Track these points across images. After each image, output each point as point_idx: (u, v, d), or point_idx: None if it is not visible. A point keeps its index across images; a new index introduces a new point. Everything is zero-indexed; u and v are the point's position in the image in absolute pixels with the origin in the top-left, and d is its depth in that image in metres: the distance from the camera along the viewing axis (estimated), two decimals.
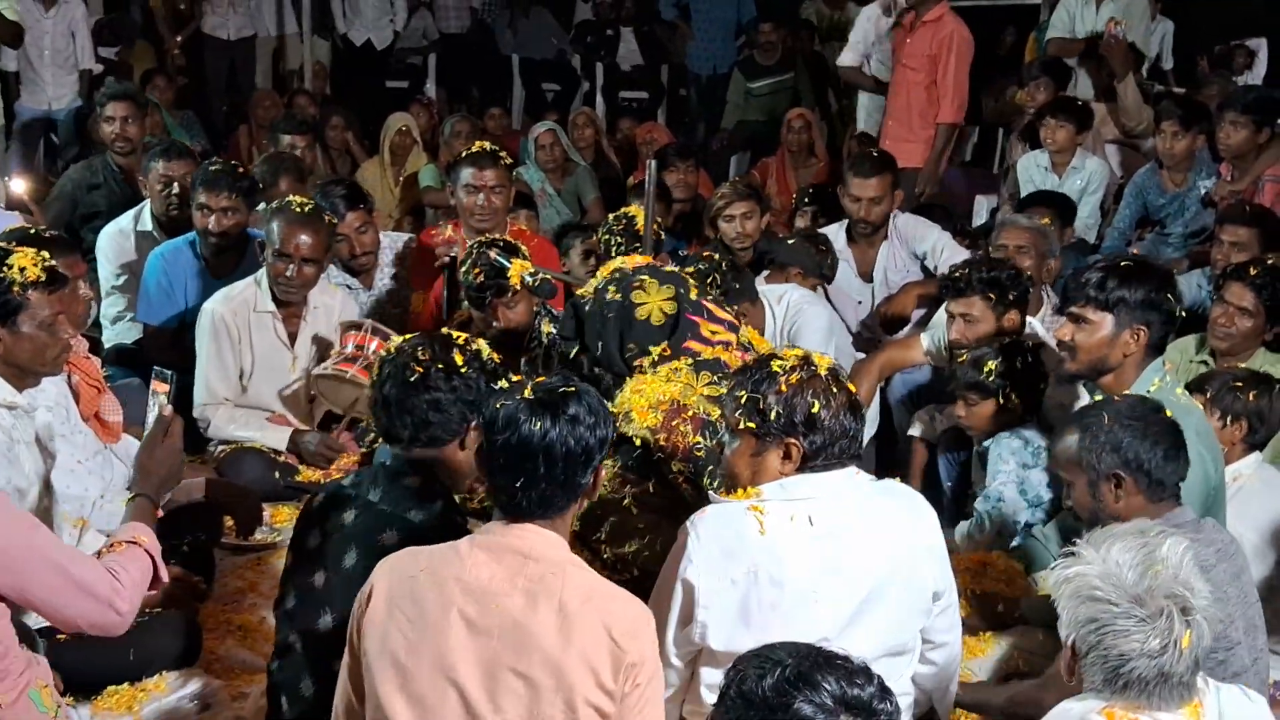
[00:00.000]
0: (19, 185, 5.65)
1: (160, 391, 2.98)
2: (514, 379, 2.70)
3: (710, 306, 3.55)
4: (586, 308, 3.57)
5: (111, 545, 2.58)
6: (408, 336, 2.84)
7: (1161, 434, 2.87)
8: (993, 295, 4.14)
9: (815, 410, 2.51)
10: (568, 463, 2.24)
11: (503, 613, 2.17)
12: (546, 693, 2.15)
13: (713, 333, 3.49)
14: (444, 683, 2.17)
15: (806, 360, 2.60)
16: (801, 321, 4.62)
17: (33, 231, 3.74)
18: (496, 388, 2.63)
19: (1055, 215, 5.36)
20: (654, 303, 3.47)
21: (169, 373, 3.01)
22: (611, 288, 3.53)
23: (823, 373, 2.57)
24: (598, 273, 3.73)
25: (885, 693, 1.79)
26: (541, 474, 2.23)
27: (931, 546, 2.62)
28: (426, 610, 2.20)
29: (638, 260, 3.70)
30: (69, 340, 3.13)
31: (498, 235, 4.61)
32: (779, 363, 2.59)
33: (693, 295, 3.51)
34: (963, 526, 3.91)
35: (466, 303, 4.42)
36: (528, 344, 4.35)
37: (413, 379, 2.64)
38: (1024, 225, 4.88)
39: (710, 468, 3.16)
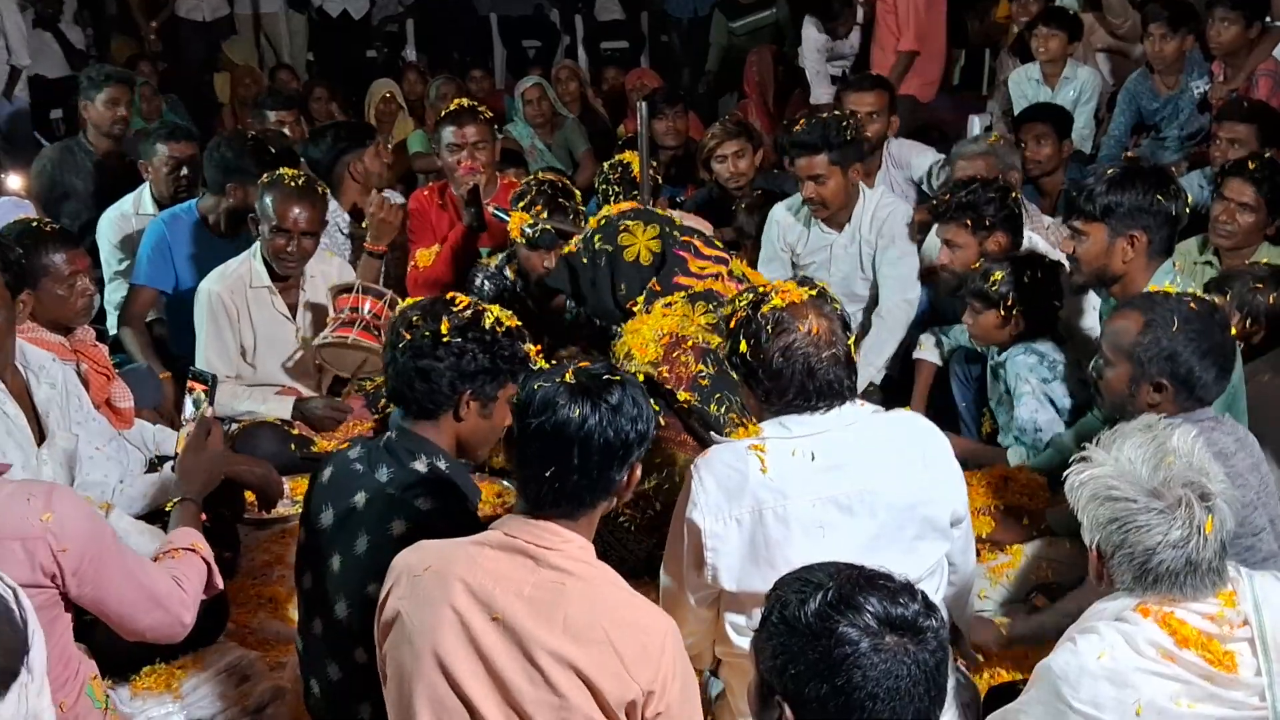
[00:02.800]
0: (15, 181, 5.62)
1: (198, 390, 2.91)
2: (530, 350, 2.63)
3: (697, 244, 3.61)
4: (578, 260, 3.66)
5: (169, 551, 2.56)
6: (413, 300, 2.74)
7: (1218, 353, 2.83)
8: (970, 220, 4.12)
9: (782, 359, 2.43)
10: (604, 455, 2.10)
11: (504, 618, 2.05)
12: (545, 708, 2.03)
13: (701, 268, 3.55)
14: (447, 689, 2.07)
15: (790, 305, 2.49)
16: (896, 213, 4.64)
17: (34, 225, 3.72)
18: (499, 358, 2.54)
19: (1052, 128, 5.34)
20: (641, 243, 3.57)
21: (209, 374, 2.92)
22: (598, 237, 3.64)
23: (803, 330, 2.44)
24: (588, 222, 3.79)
25: (930, 608, 1.74)
26: (575, 464, 2.09)
27: (945, 472, 2.58)
28: (428, 611, 2.09)
29: (623, 207, 3.77)
30: None
31: (550, 177, 4.61)
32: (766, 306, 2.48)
33: (678, 235, 3.58)
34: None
35: (523, 242, 4.34)
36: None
37: (401, 345, 2.55)
38: (971, 152, 4.86)
39: (717, 394, 3.17)
